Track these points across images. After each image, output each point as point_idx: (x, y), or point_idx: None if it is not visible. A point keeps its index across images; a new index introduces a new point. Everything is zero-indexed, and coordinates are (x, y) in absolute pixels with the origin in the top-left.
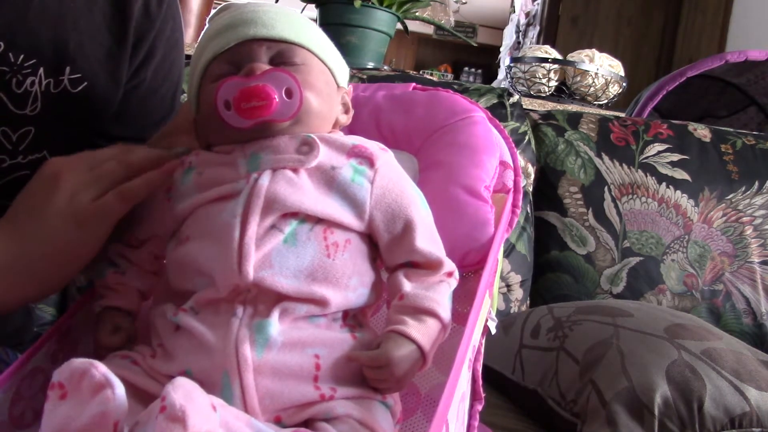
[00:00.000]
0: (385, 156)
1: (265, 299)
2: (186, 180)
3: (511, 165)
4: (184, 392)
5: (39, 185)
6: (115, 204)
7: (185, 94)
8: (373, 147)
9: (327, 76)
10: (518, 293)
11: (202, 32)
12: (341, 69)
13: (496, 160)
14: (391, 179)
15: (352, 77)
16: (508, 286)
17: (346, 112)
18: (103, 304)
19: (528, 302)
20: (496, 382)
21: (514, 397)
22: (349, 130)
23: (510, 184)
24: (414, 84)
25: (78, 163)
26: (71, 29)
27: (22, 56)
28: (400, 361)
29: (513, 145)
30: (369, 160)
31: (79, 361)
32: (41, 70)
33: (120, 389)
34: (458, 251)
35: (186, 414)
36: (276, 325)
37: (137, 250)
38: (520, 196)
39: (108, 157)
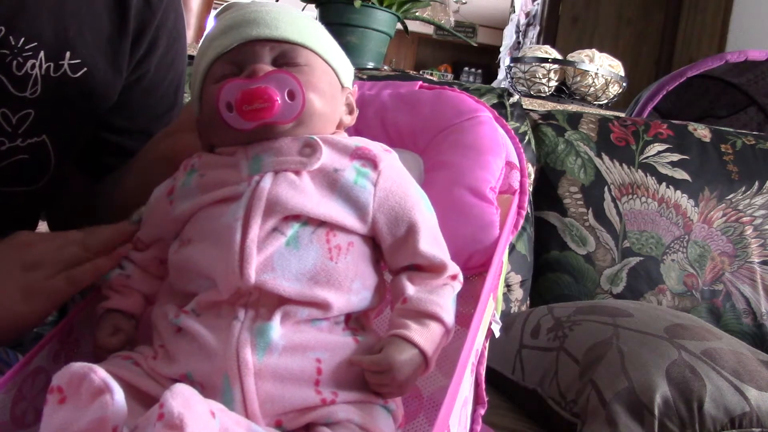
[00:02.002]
0: (388, 158)
1: (266, 302)
2: (188, 182)
3: (518, 165)
4: (183, 399)
5: (6, 249)
6: (63, 287)
7: (189, 93)
8: (377, 149)
9: (330, 77)
10: (518, 293)
11: (206, 32)
12: (345, 69)
13: (502, 161)
14: (394, 181)
15: None
16: (508, 286)
17: (351, 112)
18: (106, 305)
19: (528, 302)
20: (496, 382)
21: (514, 397)
22: (355, 129)
23: (516, 185)
24: (420, 82)
25: (50, 241)
26: (71, 15)
27: (22, 39)
28: (402, 366)
29: (519, 145)
30: (372, 162)
31: (78, 366)
32: (42, 53)
33: (119, 394)
34: (463, 253)
35: (184, 422)
36: (277, 328)
37: (143, 254)
38: (526, 198)
39: (74, 239)
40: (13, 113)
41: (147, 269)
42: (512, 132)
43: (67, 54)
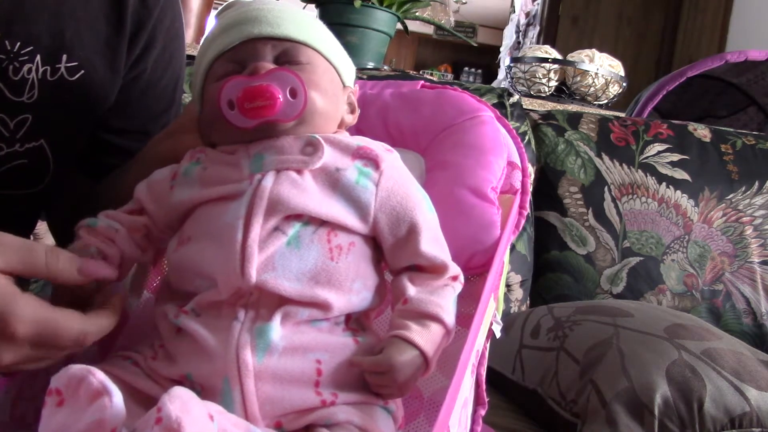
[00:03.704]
0: (390, 158)
1: (267, 303)
2: (190, 171)
3: (519, 165)
4: (181, 403)
5: None
6: None
7: (188, 93)
8: (379, 148)
9: (332, 75)
10: (518, 293)
11: (209, 30)
12: (347, 68)
13: (503, 160)
14: (396, 181)
15: None
16: (508, 286)
17: (352, 111)
18: (87, 243)
19: (528, 302)
20: (496, 383)
21: (514, 397)
22: (356, 128)
23: (517, 185)
24: (422, 82)
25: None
26: (68, 17)
27: (18, 44)
28: (403, 367)
29: (521, 145)
30: (374, 162)
31: (76, 368)
32: (38, 57)
33: (117, 396)
34: (464, 253)
35: (182, 425)
36: (277, 329)
37: (134, 218)
38: (528, 198)
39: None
40: (10, 118)
41: (133, 234)
42: (514, 132)
43: (64, 57)
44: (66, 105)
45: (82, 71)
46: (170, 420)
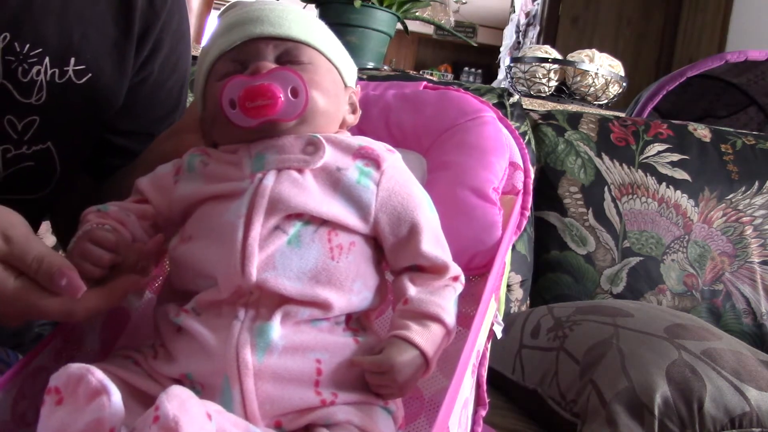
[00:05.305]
0: (391, 158)
1: (267, 302)
2: (192, 164)
3: (521, 166)
4: (179, 402)
5: None
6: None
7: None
8: (380, 148)
9: (334, 76)
10: (518, 293)
11: (212, 30)
12: (349, 68)
13: (505, 161)
14: (397, 181)
15: None
16: (508, 286)
17: (354, 112)
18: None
19: (528, 302)
20: (496, 383)
21: (514, 397)
22: (358, 128)
23: (519, 185)
24: (425, 83)
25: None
26: (76, 20)
27: (28, 45)
28: (403, 367)
29: (524, 145)
30: (375, 162)
31: (75, 367)
32: (47, 59)
33: (116, 395)
34: (465, 254)
35: (179, 424)
36: (277, 328)
37: (141, 205)
38: (530, 198)
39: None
40: (18, 120)
41: (142, 221)
42: (516, 132)
43: (72, 59)
44: (73, 107)
45: (90, 74)
46: (167, 419)
